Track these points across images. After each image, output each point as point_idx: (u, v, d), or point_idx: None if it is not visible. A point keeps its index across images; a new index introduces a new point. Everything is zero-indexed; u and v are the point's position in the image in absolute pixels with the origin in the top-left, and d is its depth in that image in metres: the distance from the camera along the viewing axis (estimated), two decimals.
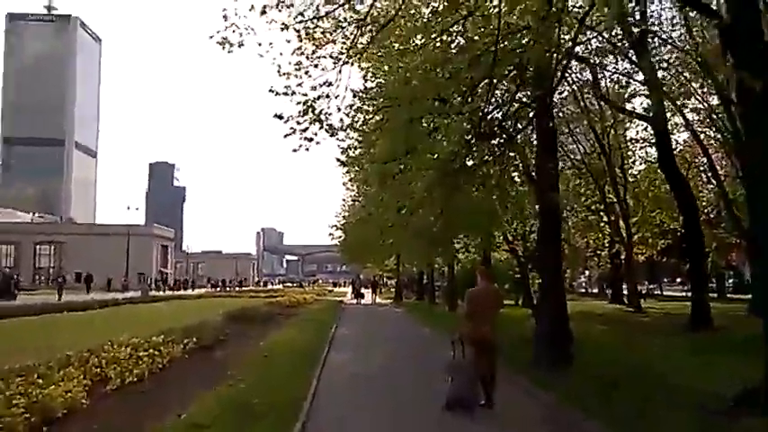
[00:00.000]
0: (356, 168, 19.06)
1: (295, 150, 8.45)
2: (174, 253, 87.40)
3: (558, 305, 9.56)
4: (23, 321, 17.11)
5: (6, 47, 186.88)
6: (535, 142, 11.19)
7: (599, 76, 18.47)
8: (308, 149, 8.45)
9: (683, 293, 53.32)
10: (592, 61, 15.42)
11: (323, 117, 8.24)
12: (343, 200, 35.59)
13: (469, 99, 8.84)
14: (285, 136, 8.25)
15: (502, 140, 9.92)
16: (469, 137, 9.09)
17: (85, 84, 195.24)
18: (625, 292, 33.08)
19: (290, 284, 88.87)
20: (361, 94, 9.66)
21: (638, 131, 27.27)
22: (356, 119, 10.17)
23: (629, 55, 20.30)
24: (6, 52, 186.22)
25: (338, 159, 13.42)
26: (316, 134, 8.32)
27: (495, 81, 8.58)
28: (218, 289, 60.52)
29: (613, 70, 21.80)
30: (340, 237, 38.13)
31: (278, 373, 8.85)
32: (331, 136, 10.41)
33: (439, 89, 8.62)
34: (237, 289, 61.03)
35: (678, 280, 62.16)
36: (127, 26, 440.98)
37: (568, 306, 10.11)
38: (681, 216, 17.11)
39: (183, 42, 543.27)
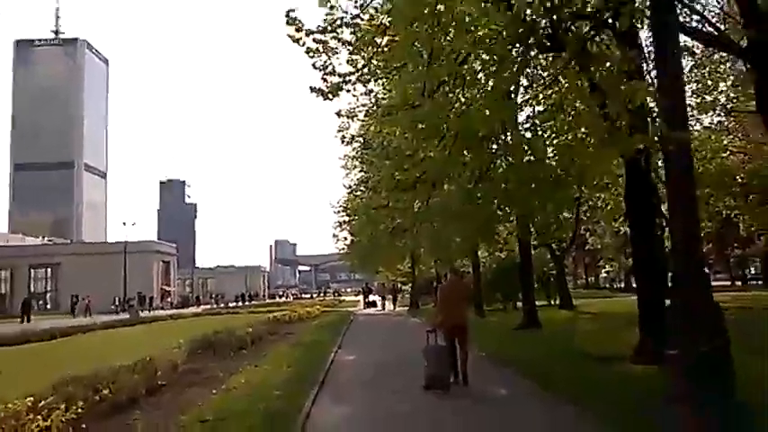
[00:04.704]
0: (349, 101, 14.85)
1: None
2: (176, 269, 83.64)
3: (708, 308, 5.24)
4: None
5: (15, 74, 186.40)
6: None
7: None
8: None
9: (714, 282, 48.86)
10: None
11: None
12: (345, 186, 31.22)
13: None
14: None
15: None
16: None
17: (93, 105, 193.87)
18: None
19: (306, 296, 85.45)
20: None
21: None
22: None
23: None
24: (15, 79, 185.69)
25: (312, 88, 8.06)
26: None
27: None
28: (222, 306, 56.56)
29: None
30: (345, 238, 33.97)
31: None
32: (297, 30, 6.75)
33: None
34: (241, 304, 57.08)
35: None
36: (133, 45, 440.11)
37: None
38: None
39: (190, 59, 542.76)
